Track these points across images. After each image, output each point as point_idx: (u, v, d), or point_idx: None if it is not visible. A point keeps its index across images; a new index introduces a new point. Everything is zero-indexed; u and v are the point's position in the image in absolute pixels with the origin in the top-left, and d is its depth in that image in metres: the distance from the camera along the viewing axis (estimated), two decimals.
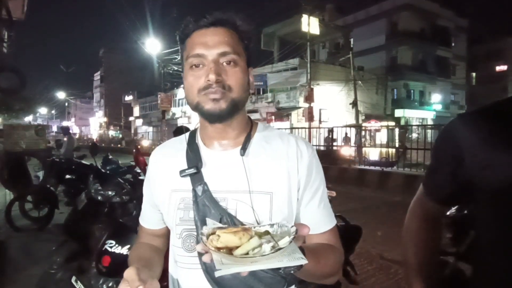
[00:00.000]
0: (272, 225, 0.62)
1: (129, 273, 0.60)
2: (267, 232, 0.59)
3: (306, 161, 0.83)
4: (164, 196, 0.85)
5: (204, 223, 0.73)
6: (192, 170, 0.80)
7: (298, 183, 0.81)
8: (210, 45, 0.76)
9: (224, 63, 0.76)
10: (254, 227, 0.62)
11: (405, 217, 0.99)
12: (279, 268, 0.55)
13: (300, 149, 0.83)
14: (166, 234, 0.94)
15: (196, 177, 0.80)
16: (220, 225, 0.65)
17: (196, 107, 0.78)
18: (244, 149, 0.81)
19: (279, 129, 0.97)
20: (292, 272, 0.57)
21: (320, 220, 0.84)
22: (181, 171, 0.81)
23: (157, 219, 0.91)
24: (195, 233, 0.79)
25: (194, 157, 0.83)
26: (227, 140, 0.84)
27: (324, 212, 0.85)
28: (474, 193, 0.77)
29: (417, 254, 0.94)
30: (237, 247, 0.55)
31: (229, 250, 0.55)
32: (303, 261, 0.54)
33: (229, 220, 0.75)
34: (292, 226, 0.59)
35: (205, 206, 0.77)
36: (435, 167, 0.90)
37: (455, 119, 0.83)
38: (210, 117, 0.78)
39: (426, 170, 0.92)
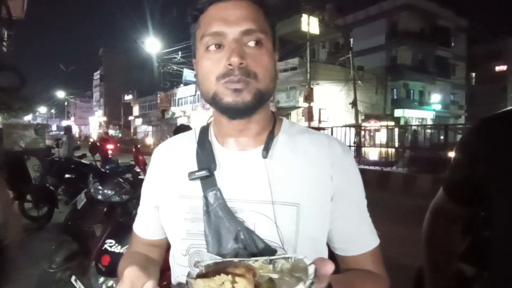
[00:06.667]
0: (287, 258, 0.48)
1: (131, 271, 0.49)
2: (271, 281, 0.46)
3: (341, 166, 0.68)
4: (168, 203, 0.71)
5: (217, 238, 0.62)
6: (204, 173, 0.66)
7: (332, 192, 0.67)
8: (231, 21, 0.61)
9: (249, 44, 0.61)
10: (268, 260, 0.48)
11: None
12: None
13: (334, 151, 0.69)
14: (164, 245, 0.80)
15: (208, 181, 0.66)
16: (219, 258, 0.52)
17: (213, 99, 0.63)
18: (266, 150, 0.67)
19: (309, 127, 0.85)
20: None
21: (357, 238, 0.69)
22: (190, 173, 0.67)
23: (158, 226, 0.76)
24: (206, 250, 0.64)
25: (206, 157, 0.69)
26: (247, 138, 0.69)
27: (362, 229, 0.70)
28: (493, 194, 0.77)
29: (437, 257, 0.93)
30: None
31: None
32: None
33: (247, 237, 0.61)
34: (311, 264, 0.45)
35: (218, 217, 0.63)
36: (458, 168, 0.90)
37: (477, 123, 0.83)
38: (230, 112, 0.63)
39: (448, 171, 0.92)
